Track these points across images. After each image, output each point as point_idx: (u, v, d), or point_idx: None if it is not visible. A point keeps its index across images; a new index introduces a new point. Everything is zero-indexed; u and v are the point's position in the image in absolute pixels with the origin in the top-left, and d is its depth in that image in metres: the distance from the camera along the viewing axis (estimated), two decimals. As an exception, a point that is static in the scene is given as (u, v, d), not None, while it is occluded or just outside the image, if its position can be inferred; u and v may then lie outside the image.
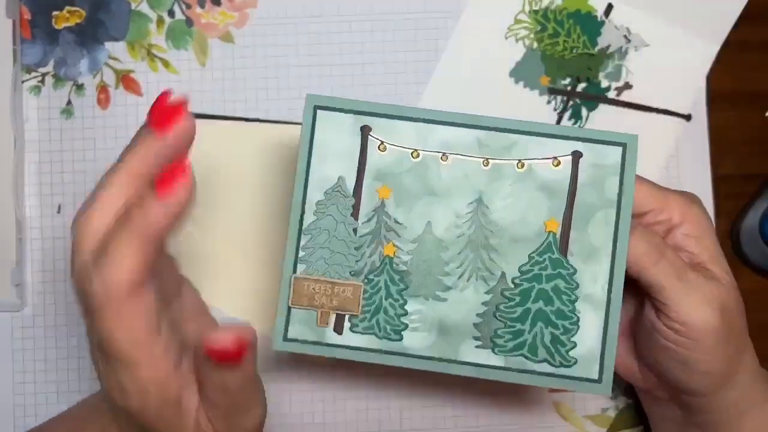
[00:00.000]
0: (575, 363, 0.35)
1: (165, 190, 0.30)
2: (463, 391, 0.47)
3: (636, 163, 0.35)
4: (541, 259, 0.35)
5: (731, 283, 0.38)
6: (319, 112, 0.36)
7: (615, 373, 0.35)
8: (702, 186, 0.48)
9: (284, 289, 0.36)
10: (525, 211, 0.35)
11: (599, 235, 0.35)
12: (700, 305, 0.36)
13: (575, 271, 0.35)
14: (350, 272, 0.36)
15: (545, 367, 0.35)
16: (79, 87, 0.48)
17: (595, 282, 0.35)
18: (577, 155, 0.35)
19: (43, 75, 0.48)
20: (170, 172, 0.30)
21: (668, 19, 0.48)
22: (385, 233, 0.36)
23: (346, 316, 0.36)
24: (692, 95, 0.48)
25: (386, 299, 0.36)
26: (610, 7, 0.48)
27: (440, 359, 0.35)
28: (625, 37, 0.48)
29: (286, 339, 0.36)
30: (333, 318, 0.36)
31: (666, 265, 0.36)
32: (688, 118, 0.48)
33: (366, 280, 0.36)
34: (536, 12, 0.48)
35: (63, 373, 0.46)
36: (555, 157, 0.36)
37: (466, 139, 0.36)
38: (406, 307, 0.36)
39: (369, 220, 0.36)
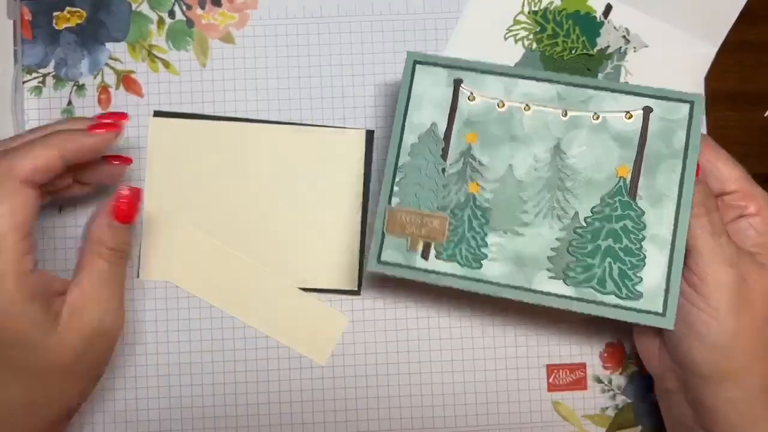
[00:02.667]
0: (641, 296, 0.38)
1: (95, 129, 0.39)
2: (464, 391, 0.47)
3: (702, 118, 0.38)
4: (612, 201, 0.39)
5: None
6: (417, 66, 0.41)
7: (641, 366, 0.38)
8: (701, 186, 0.48)
9: (380, 218, 0.40)
10: (599, 158, 0.39)
11: (666, 181, 0.38)
12: (721, 266, 0.37)
13: (643, 213, 0.38)
14: (438, 206, 0.40)
15: (613, 299, 0.38)
16: (80, 87, 0.48)
17: (661, 224, 0.38)
18: (648, 110, 0.39)
19: (44, 75, 0.48)
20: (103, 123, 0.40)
21: (667, 20, 0.48)
22: (470, 173, 0.40)
23: (433, 245, 0.40)
24: (691, 96, 0.48)
25: (469, 231, 0.40)
26: (609, 7, 0.48)
27: (516, 287, 0.39)
28: (624, 37, 0.48)
29: (379, 261, 0.40)
30: (421, 245, 0.40)
31: (706, 221, 0.38)
32: (687, 118, 0.48)
33: (451, 214, 0.40)
34: (535, 13, 0.48)
35: (64, 373, 0.46)
36: (628, 111, 0.39)
37: (547, 92, 0.39)
38: (486, 239, 0.39)
39: (456, 161, 0.40)
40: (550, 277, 0.39)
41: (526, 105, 0.40)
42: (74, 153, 0.38)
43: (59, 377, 0.37)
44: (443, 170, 0.40)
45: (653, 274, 0.38)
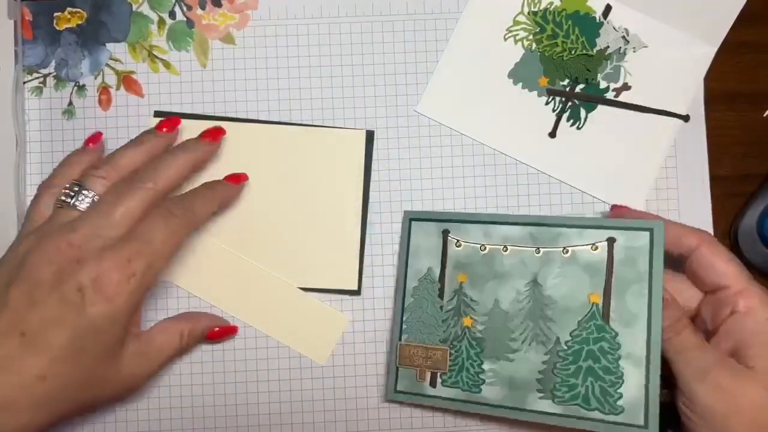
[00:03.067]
0: (623, 411, 0.41)
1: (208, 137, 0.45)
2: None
3: (663, 243, 0.41)
4: (587, 325, 0.42)
5: None
6: (412, 222, 0.47)
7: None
8: (700, 186, 0.48)
9: (393, 353, 0.46)
10: (572, 287, 0.43)
11: (636, 303, 0.41)
12: (696, 381, 0.39)
13: (616, 334, 0.41)
14: (439, 339, 0.45)
15: (597, 415, 0.41)
16: (81, 88, 0.48)
17: (635, 343, 0.41)
18: (611, 241, 0.42)
19: (45, 76, 0.48)
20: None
21: (667, 20, 0.48)
22: (464, 309, 0.45)
23: (438, 374, 0.45)
24: (690, 96, 0.48)
25: (467, 360, 0.44)
26: (608, 8, 0.48)
27: (512, 408, 0.43)
28: (624, 38, 0.48)
29: (396, 391, 0.46)
30: (428, 375, 0.45)
31: (677, 341, 0.40)
32: (686, 118, 0.48)
33: (451, 345, 0.45)
34: (535, 13, 0.48)
35: (64, 373, 0.46)
36: (593, 244, 0.43)
37: (521, 234, 0.44)
38: (482, 366, 0.44)
39: (451, 299, 0.45)
40: (540, 398, 0.42)
41: (504, 246, 0.44)
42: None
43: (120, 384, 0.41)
44: (441, 308, 0.45)
45: (632, 390, 0.41)
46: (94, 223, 0.38)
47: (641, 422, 0.40)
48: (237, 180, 0.46)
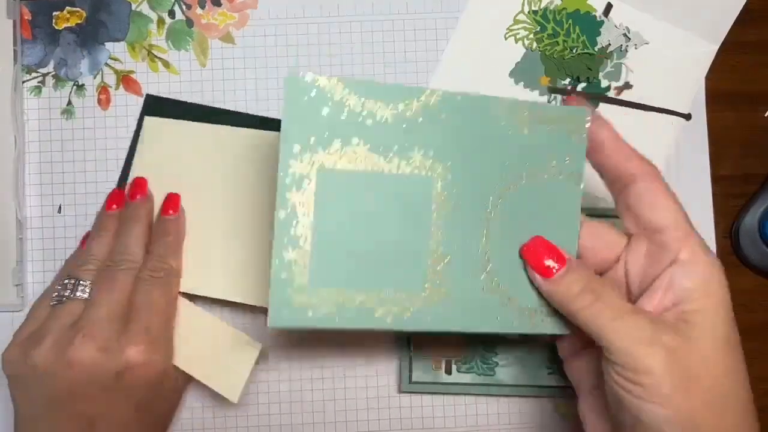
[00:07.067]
0: None
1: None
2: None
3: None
4: None
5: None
6: None
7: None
8: (701, 186, 0.48)
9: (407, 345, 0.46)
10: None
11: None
12: (639, 348, 0.33)
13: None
14: None
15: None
16: (80, 87, 0.48)
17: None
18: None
19: (44, 75, 0.48)
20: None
21: (667, 19, 0.48)
22: None
23: (453, 361, 0.46)
24: (691, 94, 0.48)
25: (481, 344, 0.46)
26: (609, 6, 0.48)
27: (527, 386, 0.46)
28: (625, 35, 0.48)
29: (411, 382, 0.46)
30: (443, 363, 0.46)
31: (600, 307, 0.34)
32: (687, 117, 0.48)
33: None
34: (535, 12, 0.48)
35: (63, 373, 0.46)
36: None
37: None
38: (495, 349, 0.46)
39: None
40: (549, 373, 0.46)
41: None
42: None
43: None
44: None
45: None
46: (98, 314, 0.41)
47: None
48: (176, 206, 0.45)
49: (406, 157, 0.34)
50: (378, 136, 0.34)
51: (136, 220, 0.44)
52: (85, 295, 0.42)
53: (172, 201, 0.45)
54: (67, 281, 0.42)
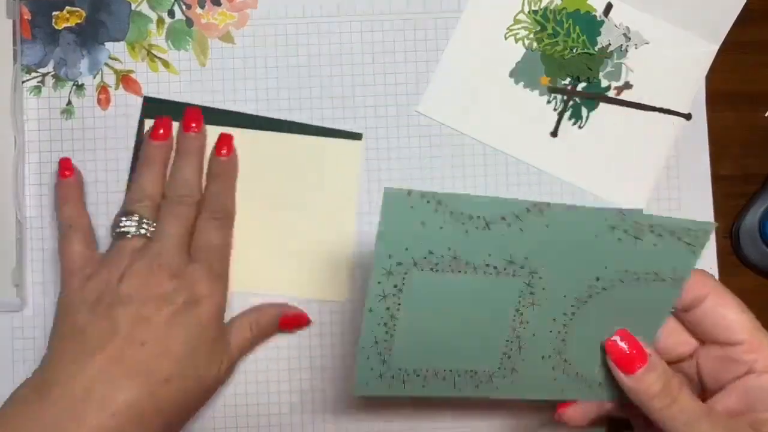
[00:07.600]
0: None
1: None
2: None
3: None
4: None
5: None
6: None
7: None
8: (701, 185, 0.48)
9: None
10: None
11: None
12: None
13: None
14: None
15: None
16: (80, 87, 0.48)
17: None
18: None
19: (44, 75, 0.48)
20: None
21: (668, 19, 0.48)
22: None
23: None
24: (692, 94, 0.48)
25: None
26: (609, 6, 0.48)
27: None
28: (625, 35, 0.48)
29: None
30: None
31: (676, 411, 0.34)
32: (688, 117, 0.48)
33: None
34: (535, 12, 0.48)
35: (63, 374, 0.46)
36: None
37: None
38: None
39: None
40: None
41: None
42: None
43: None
44: None
45: None
46: (167, 245, 0.42)
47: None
48: (229, 146, 0.46)
49: (495, 263, 0.34)
50: (470, 245, 0.34)
51: (194, 153, 0.45)
52: (147, 233, 0.43)
53: (225, 141, 0.46)
54: (128, 217, 0.43)
